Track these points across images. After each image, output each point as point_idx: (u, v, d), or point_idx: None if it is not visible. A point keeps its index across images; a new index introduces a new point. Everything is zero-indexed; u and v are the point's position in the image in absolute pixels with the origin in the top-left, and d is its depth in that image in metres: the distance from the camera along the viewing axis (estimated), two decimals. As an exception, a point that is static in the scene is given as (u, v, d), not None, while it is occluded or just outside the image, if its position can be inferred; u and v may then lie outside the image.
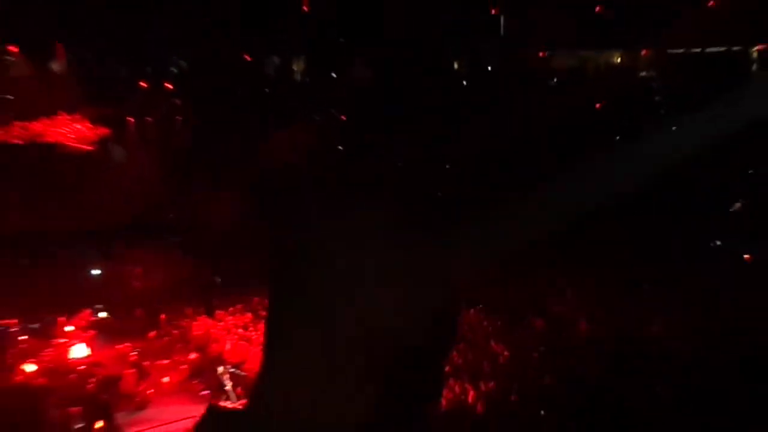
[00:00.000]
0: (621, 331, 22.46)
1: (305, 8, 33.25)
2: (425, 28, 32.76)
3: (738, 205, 28.86)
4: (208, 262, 29.68)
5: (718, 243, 28.17)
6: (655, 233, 27.18)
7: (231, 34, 32.31)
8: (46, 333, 24.91)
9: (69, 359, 23.52)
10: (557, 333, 23.60)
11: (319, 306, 1.58)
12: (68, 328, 25.19)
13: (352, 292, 1.56)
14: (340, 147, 34.65)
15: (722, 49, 33.62)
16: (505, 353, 22.31)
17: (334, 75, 37.04)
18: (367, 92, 35.89)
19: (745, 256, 27.00)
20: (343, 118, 36.00)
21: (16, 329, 24.80)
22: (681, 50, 34.83)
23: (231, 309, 26.76)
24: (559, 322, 24.34)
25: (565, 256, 26.57)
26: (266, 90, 37.03)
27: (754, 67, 33.91)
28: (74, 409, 19.87)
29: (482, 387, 19.82)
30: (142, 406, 21.14)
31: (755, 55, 33.69)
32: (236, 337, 24.57)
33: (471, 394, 19.62)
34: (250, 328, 25.06)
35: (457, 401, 19.43)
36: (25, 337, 24.61)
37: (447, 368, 21.62)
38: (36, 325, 25.18)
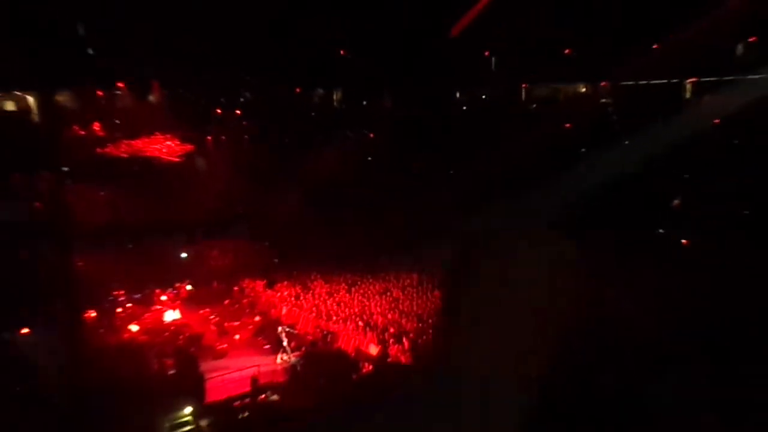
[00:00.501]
0: (583, 296, 22.59)
1: (342, 53, 33.45)
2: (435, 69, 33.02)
3: (677, 201, 28.83)
4: (269, 247, 29.80)
5: (662, 231, 28.15)
6: (613, 223, 27.17)
7: (285, 73, 32.54)
8: (146, 301, 25.24)
9: (163, 321, 23.90)
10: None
11: (489, 286, 1.61)
12: (163, 298, 25.55)
13: (516, 277, 1.60)
14: (369, 158, 34.78)
15: (663, 81, 33.46)
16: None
17: (364, 103, 37.24)
18: (389, 117, 36.09)
19: (683, 241, 27.04)
20: (371, 135, 36.18)
21: (123, 299, 25.12)
22: (631, 82, 34.74)
23: (286, 283, 26.76)
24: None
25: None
26: (312, 114, 37.25)
27: (687, 94, 33.77)
28: (168, 360, 20.18)
29: (479, 341, 19.99)
30: (219, 356, 21.40)
31: (689, 86, 33.53)
32: (290, 304, 24.67)
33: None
34: (301, 297, 25.16)
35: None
36: (130, 304, 24.94)
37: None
38: (138, 296, 25.46)
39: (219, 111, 35.38)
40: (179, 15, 28.10)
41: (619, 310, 21.34)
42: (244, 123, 35.79)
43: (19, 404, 15.12)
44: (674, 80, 33.70)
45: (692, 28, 28.09)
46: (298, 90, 36.73)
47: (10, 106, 34.22)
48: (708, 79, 32.78)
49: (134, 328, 23.17)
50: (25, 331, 19.78)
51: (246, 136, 35.37)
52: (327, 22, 30.76)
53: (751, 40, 31.03)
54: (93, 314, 23.22)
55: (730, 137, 28.99)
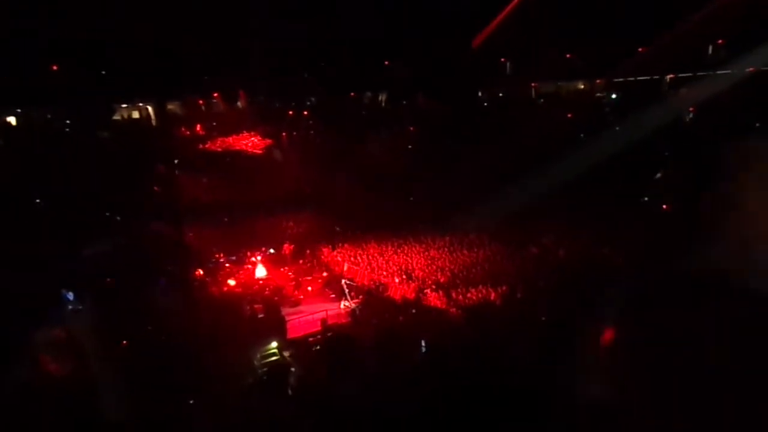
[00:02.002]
0: (583, 254, 22.19)
1: (386, 63, 33.30)
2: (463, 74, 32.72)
3: (659, 174, 28.04)
4: (332, 218, 29.72)
5: (646, 199, 27.46)
6: (607, 193, 26.53)
7: (342, 81, 32.57)
8: (240, 262, 25.41)
9: (254, 277, 24.09)
10: (545, 256, 23.38)
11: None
12: (252, 259, 25.60)
13: None
14: (409, 147, 34.48)
15: (647, 77, 32.64)
16: (512, 268, 22.22)
17: (404, 103, 36.96)
18: (425, 113, 35.77)
19: (664, 206, 26.32)
20: (411, 128, 35.92)
21: (223, 260, 25.48)
22: (621, 79, 33.92)
23: (346, 246, 26.50)
24: (546, 249, 24.03)
25: (551, 209, 26.03)
26: (363, 113, 37.15)
27: (667, 87, 32.88)
28: (258, 306, 20.43)
29: (499, 289, 19.86)
30: (296, 303, 21.57)
31: (668, 81, 32.64)
32: (350, 262, 24.56)
33: (492, 294, 19.66)
34: (358, 257, 24.98)
35: (483, 298, 19.48)
36: (228, 264, 25.23)
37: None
38: (234, 257, 25.67)
39: (291, 113, 35.50)
40: (260, 44, 28.38)
41: (608, 259, 20.86)
42: (310, 122, 35.83)
43: (150, 333, 15.54)
44: (656, 76, 32.78)
45: (670, 34, 27.40)
46: (352, 94, 36.66)
47: (135, 114, 35.05)
48: (684, 75, 31.92)
49: (232, 282, 23.42)
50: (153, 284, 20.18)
51: (312, 132, 35.40)
52: (375, 41, 30.70)
53: (719, 42, 30.04)
54: (201, 272, 23.59)
55: (703, 121, 28.07)
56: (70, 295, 16.07)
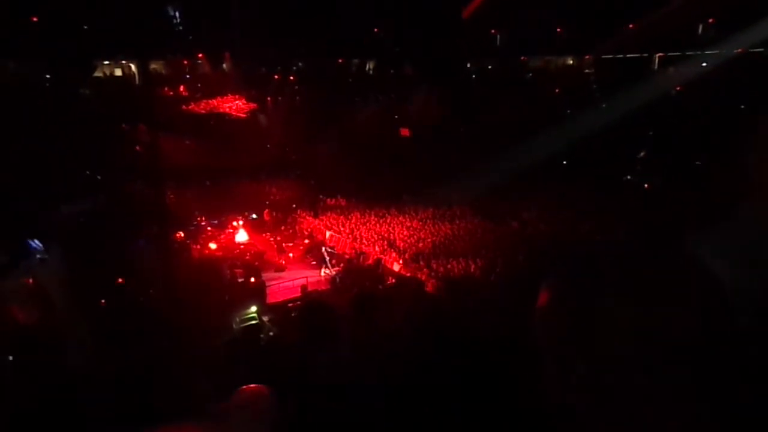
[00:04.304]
0: (563, 229, 22.37)
1: (376, 30, 32.90)
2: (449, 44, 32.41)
3: (642, 153, 28.24)
4: (314, 185, 29.71)
5: (629, 177, 27.70)
6: (590, 170, 26.71)
7: (330, 46, 32.15)
8: (222, 226, 25.37)
9: (235, 241, 24.10)
10: (525, 230, 23.54)
11: None
12: (234, 223, 25.56)
13: None
14: (396, 116, 34.27)
15: (636, 54, 32.60)
16: (492, 242, 22.37)
17: (391, 71, 36.63)
18: (411, 83, 35.50)
19: (645, 185, 26.60)
20: (397, 98, 35.68)
21: (204, 223, 25.38)
22: (610, 55, 33.86)
23: (328, 214, 26.65)
24: (526, 224, 24.19)
25: (534, 184, 26.16)
26: (350, 80, 36.82)
27: (656, 66, 32.91)
28: (238, 270, 20.45)
29: (479, 262, 19.98)
30: (277, 269, 21.71)
31: (657, 59, 32.64)
32: (331, 231, 24.70)
33: (472, 266, 19.79)
34: (340, 226, 25.11)
35: (464, 270, 19.62)
36: (210, 228, 25.18)
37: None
38: (216, 221, 25.62)
39: (277, 77, 35.06)
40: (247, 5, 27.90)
41: (588, 234, 21.12)
42: (296, 87, 35.44)
43: (129, 294, 15.53)
44: (645, 54, 32.74)
45: (660, 11, 27.32)
46: (340, 60, 36.29)
47: (117, 72, 34.44)
48: (672, 53, 31.93)
49: (213, 246, 23.38)
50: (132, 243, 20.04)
51: (298, 97, 35.04)
52: (365, 6, 30.22)
53: (710, 21, 30.01)
54: (182, 235, 23.44)
55: (689, 101, 28.20)
56: (38, 245, 15.83)
